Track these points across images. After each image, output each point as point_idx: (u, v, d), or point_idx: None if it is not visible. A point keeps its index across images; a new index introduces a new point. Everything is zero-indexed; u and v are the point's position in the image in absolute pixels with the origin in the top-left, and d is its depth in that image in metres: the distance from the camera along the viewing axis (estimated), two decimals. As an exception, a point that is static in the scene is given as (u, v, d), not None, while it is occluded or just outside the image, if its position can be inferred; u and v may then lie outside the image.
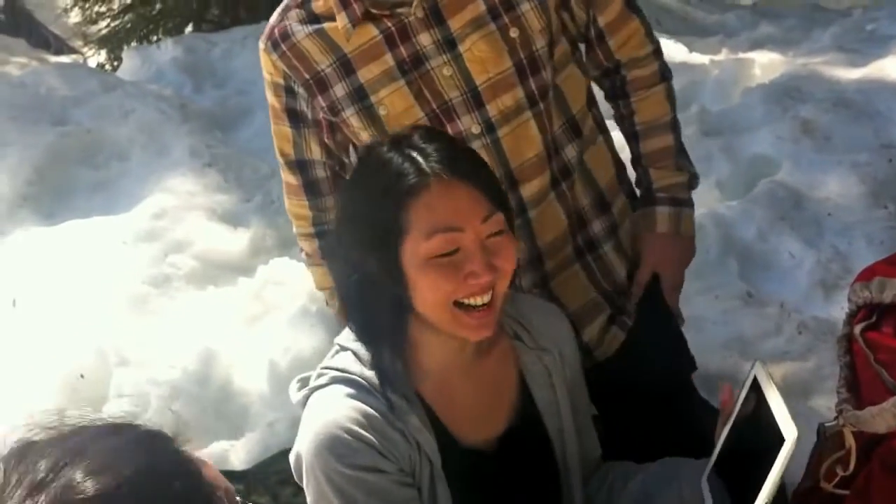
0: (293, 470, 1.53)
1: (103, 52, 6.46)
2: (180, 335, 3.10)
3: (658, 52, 2.02)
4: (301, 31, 1.84)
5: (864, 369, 1.79)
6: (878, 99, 4.01)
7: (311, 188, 1.97)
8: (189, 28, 6.65)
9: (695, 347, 2.28)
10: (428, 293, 1.46)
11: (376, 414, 1.44)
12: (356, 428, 1.42)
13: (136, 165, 4.13)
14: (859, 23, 5.38)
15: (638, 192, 2.11)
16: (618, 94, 2.04)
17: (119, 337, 3.08)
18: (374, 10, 1.78)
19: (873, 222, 3.31)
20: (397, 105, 1.81)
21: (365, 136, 1.85)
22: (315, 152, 1.93)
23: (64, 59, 7.33)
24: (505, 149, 1.85)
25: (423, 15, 1.79)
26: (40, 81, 4.65)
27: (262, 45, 1.90)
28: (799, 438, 1.33)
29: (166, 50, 5.50)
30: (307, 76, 1.84)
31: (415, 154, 1.46)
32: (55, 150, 4.13)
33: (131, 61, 5.66)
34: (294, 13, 1.86)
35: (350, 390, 1.47)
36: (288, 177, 1.99)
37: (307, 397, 1.52)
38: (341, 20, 1.79)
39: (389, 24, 1.80)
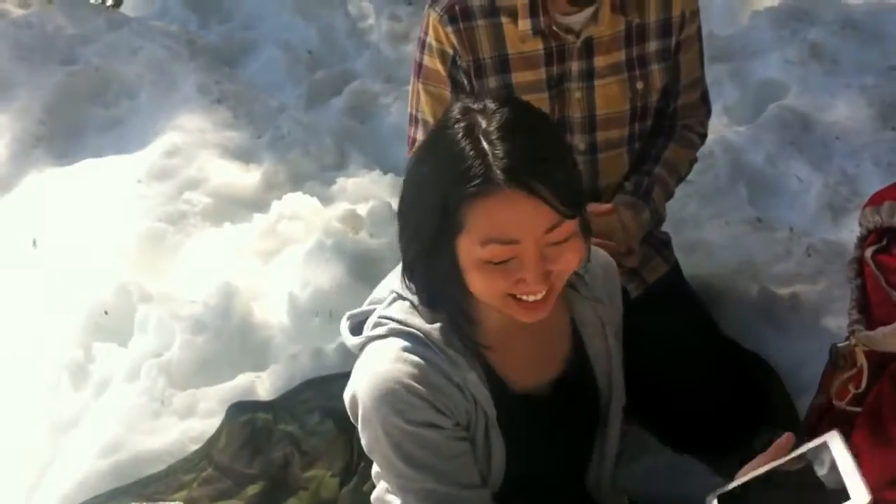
0: (348, 408, 1.51)
1: (104, -12, 6.40)
2: (200, 271, 3.15)
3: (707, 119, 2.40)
4: (481, 19, 2.08)
5: (875, 291, 1.84)
6: (886, 21, 3.97)
7: None
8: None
9: (706, 272, 2.33)
10: (480, 287, 1.45)
11: (434, 369, 1.44)
12: (413, 383, 1.42)
13: (145, 103, 4.12)
14: (867, -58, 5.32)
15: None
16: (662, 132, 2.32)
17: (139, 274, 3.12)
18: (554, 28, 2.06)
19: (881, 144, 3.32)
20: None
21: None
22: None
23: (64, -5, 7.24)
24: (600, 169, 2.20)
25: (580, 46, 2.08)
26: (47, 20, 4.61)
27: (435, 13, 2.10)
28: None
29: (169, -15, 5.46)
30: (470, 57, 2.10)
31: (487, 151, 1.35)
32: (65, 90, 4.13)
33: (134, -3, 5.62)
34: None
35: (408, 344, 1.46)
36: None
37: (364, 345, 1.52)
38: (524, 25, 2.05)
39: (553, 45, 2.08)
